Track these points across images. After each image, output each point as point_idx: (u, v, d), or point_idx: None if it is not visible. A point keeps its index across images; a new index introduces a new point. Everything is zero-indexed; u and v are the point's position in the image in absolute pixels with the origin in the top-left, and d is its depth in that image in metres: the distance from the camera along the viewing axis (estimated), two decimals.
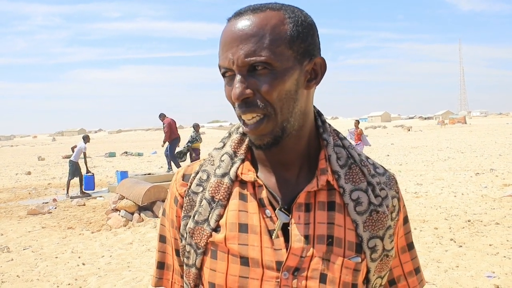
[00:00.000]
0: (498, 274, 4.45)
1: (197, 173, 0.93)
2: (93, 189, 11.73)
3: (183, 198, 0.92)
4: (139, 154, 28.70)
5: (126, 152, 30.76)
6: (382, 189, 0.90)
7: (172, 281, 0.98)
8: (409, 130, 56.70)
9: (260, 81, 0.79)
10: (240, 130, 0.93)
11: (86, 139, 11.80)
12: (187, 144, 13.02)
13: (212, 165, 0.92)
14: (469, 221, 6.65)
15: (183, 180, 0.94)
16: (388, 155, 19.42)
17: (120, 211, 7.93)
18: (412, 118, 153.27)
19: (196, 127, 13.14)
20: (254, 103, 0.79)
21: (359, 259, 0.84)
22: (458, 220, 6.73)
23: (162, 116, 12.90)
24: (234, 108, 0.83)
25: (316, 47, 0.85)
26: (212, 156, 0.94)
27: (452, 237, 5.87)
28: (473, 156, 16.65)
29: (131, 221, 7.69)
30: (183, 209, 0.91)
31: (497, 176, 10.98)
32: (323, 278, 0.82)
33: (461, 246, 5.46)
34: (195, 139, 12.97)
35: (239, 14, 0.82)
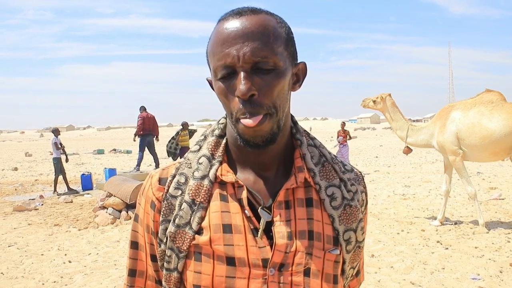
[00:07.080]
0: (483, 276, 4.50)
1: (174, 176, 0.92)
2: (91, 188, 11.60)
3: (160, 202, 0.91)
4: (128, 152, 28.53)
5: (115, 150, 30.58)
6: (352, 185, 0.95)
7: None
8: None
9: (264, 80, 0.80)
10: (216, 132, 0.94)
11: (55, 132, 11.85)
12: (172, 138, 12.77)
13: (189, 168, 0.92)
14: (455, 223, 6.72)
15: (159, 184, 0.93)
16: (376, 157, 19.55)
17: (107, 208, 7.87)
18: None
19: (185, 125, 13.06)
20: (258, 102, 0.79)
21: (338, 251, 0.89)
22: (444, 223, 6.79)
23: (141, 109, 12.29)
24: (228, 107, 0.82)
25: (297, 54, 0.89)
26: (189, 159, 0.93)
27: (438, 239, 5.93)
28: None
29: (119, 219, 7.64)
30: (162, 213, 0.90)
31: (484, 180, 11.10)
32: (307, 272, 0.86)
33: (447, 249, 5.51)
34: (179, 133, 12.70)
35: (238, 13, 0.82)
